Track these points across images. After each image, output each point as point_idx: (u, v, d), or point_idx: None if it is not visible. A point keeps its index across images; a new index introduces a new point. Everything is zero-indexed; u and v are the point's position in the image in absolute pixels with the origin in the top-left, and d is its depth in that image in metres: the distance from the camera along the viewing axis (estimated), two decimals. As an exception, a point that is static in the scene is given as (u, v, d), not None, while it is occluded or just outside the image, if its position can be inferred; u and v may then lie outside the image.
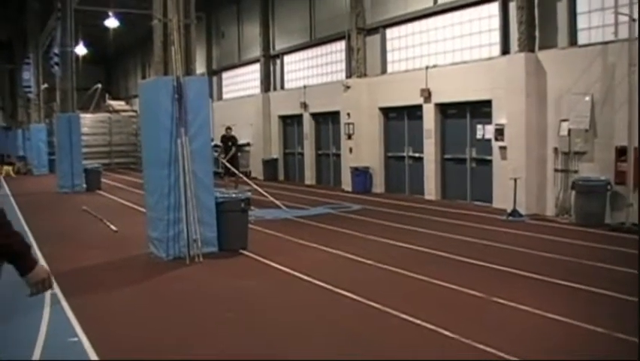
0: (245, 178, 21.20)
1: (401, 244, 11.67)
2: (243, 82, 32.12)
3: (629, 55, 12.63)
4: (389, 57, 21.06)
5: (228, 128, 21.73)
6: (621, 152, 13.03)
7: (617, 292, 7.84)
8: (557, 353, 5.97)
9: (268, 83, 28.58)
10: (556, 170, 14.66)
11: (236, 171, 20.38)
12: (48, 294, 8.47)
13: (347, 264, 10.29)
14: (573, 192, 13.86)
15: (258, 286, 8.98)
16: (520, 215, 14.42)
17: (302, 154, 26.22)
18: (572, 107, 14.05)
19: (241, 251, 11.17)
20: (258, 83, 29.31)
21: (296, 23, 26.51)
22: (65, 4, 24.79)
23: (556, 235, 12.42)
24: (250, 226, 12.20)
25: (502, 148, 15.90)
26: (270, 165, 27.76)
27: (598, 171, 13.66)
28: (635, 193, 12.74)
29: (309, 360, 5.98)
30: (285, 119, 27.69)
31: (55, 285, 8.90)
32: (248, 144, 28.60)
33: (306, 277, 9.20)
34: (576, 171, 14.15)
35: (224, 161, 20.70)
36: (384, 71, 21.13)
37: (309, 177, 25.46)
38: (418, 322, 6.88)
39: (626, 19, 12.84)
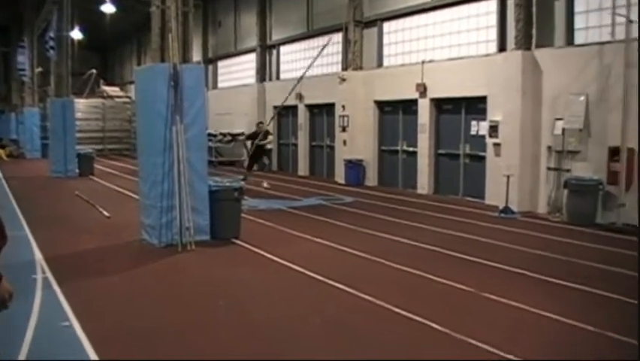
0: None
1: (393, 238, 11.70)
2: (238, 71, 32.05)
3: (625, 56, 12.69)
4: (385, 51, 21.06)
5: (260, 123, 22.20)
6: (614, 152, 13.08)
7: (607, 291, 7.91)
8: (546, 349, 6.03)
9: (264, 73, 28.54)
10: (549, 168, 14.71)
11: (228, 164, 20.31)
12: (40, 278, 8.53)
13: (339, 256, 10.32)
14: (565, 191, 13.92)
15: (249, 275, 9.01)
16: (512, 212, 14.48)
17: (296, 145, 26.20)
18: (566, 107, 14.10)
19: (233, 240, 11.19)
20: (253, 72, 29.25)
21: (293, 14, 26.44)
22: (62, -12, 24.70)
23: (547, 233, 12.47)
24: (243, 215, 12.22)
25: (496, 145, 15.92)
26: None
27: (590, 170, 13.71)
28: (628, 194, 12.82)
29: (301, 358, 6.02)
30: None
31: (47, 269, 8.98)
32: (242, 134, 28.54)
33: (297, 268, 9.23)
34: (569, 170, 14.19)
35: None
36: (380, 64, 21.13)
37: (303, 168, 25.46)
38: (409, 315, 6.92)
39: (623, 20, 12.86)
